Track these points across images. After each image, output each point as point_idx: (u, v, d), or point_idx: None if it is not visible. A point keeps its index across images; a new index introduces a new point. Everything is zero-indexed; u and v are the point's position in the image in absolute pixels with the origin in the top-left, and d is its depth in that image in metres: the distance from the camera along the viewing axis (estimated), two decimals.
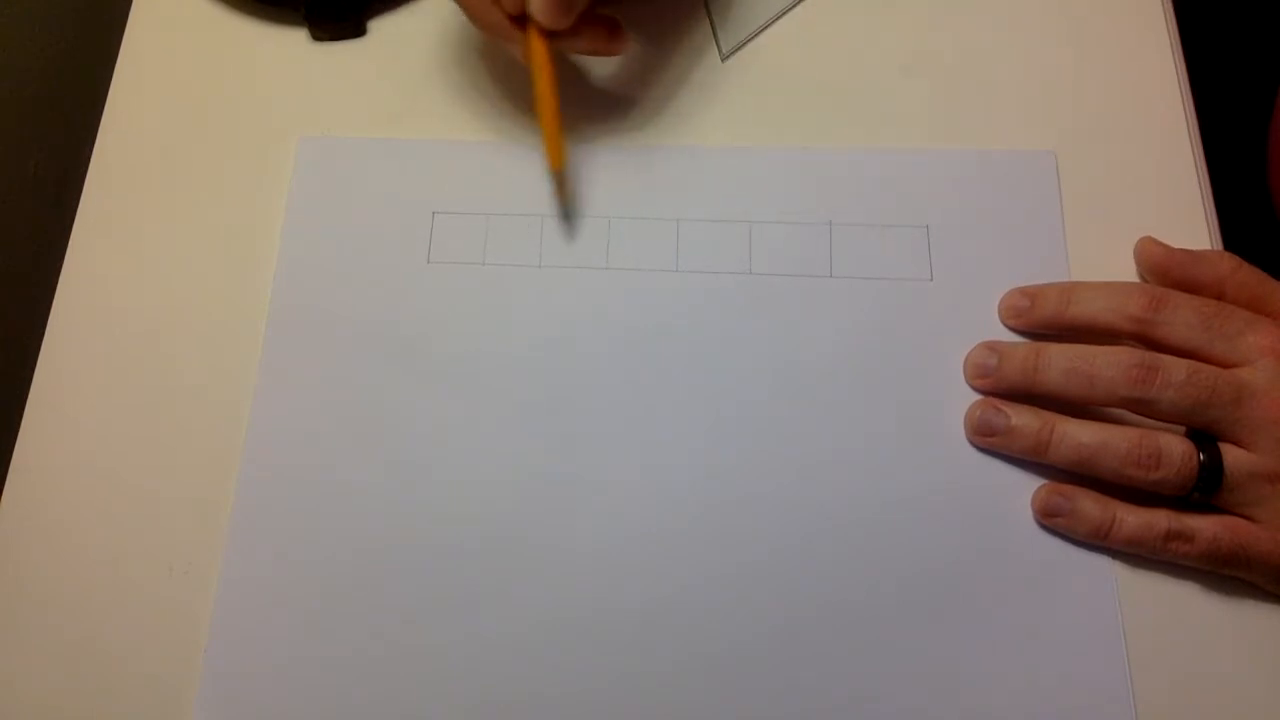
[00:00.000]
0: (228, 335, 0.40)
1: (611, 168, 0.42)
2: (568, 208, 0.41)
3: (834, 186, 0.41)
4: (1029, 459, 0.36)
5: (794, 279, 0.40)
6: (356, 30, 0.46)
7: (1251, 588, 0.35)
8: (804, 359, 0.39)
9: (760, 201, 0.41)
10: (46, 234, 0.45)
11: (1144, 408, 0.35)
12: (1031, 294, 0.38)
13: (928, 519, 0.36)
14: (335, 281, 0.41)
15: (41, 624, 0.37)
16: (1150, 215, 0.40)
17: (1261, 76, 0.55)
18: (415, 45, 0.45)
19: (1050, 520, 0.36)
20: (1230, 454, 0.34)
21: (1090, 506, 0.35)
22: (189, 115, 0.44)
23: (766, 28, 0.45)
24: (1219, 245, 0.39)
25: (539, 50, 0.38)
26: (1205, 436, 0.35)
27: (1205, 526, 0.34)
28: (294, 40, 0.46)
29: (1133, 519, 0.35)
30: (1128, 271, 0.39)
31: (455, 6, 0.39)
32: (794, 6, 0.45)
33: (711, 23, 0.45)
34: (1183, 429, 0.35)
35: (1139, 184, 0.41)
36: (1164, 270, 0.38)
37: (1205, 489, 0.34)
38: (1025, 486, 0.37)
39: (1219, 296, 0.36)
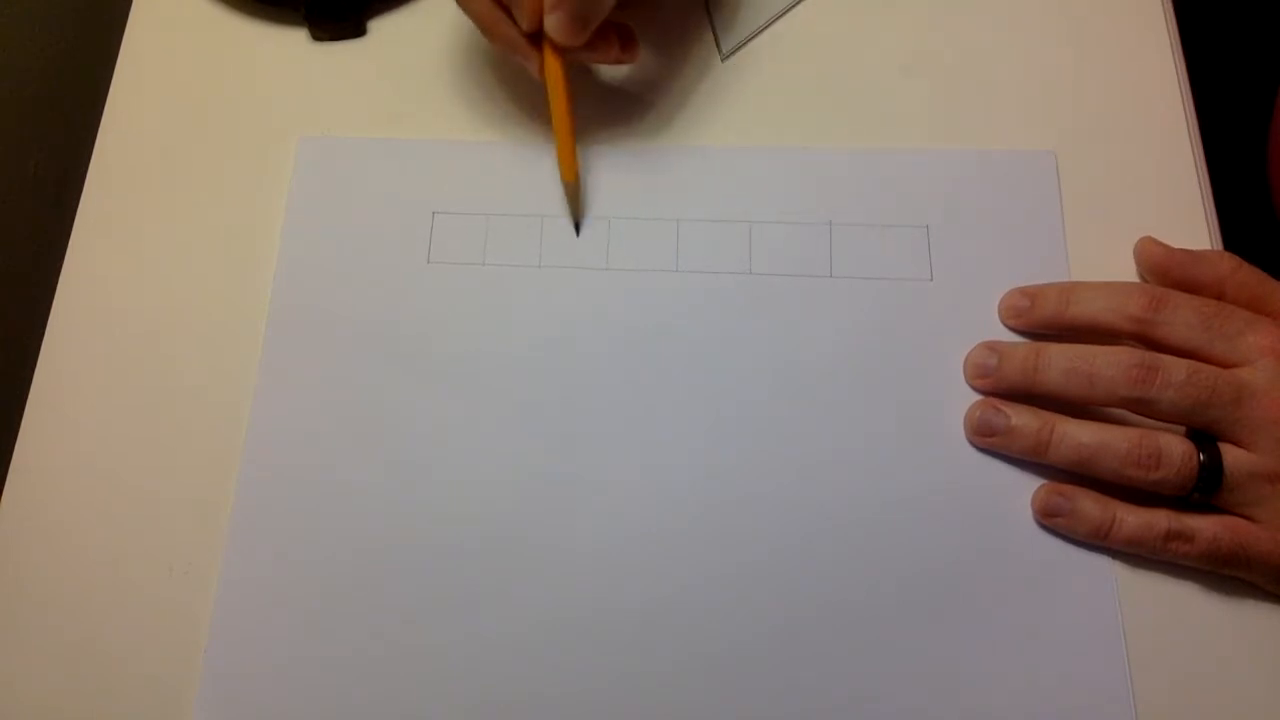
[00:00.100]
0: (228, 335, 0.40)
1: (611, 168, 0.42)
2: (580, 218, 0.41)
3: (834, 186, 0.41)
4: (1029, 459, 0.36)
5: (794, 279, 0.40)
6: (356, 30, 0.46)
7: (1251, 588, 0.35)
8: (804, 359, 0.39)
9: (760, 201, 0.41)
10: (46, 234, 0.45)
11: (1144, 408, 0.35)
12: (1031, 294, 0.38)
13: (928, 519, 0.36)
14: (335, 281, 0.41)
15: (41, 624, 0.37)
16: (1150, 215, 0.40)
17: (1261, 76, 0.55)
18: (415, 45, 0.45)
19: (1050, 520, 0.36)
20: (1230, 454, 0.34)
21: (1090, 506, 0.35)
22: (189, 115, 0.44)
23: (766, 28, 0.45)
24: (1219, 245, 0.39)
25: (554, 66, 0.38)
26: (1205, 436, 0.35)
27: (1205, 526, 0.34)
28: (294, 40, 0.46)
29: (1133, 519, 0.35)
30: (1128, 271, 0.39)
31: (463, 14, 0.39)
32: (794, 6, 0.45)
33: (711, 23, 0.45)
34: (1183, 429, 0.35)
35: (1139, 184, 0.41)
36: (1164, 270, 0.38)
37: (1205, 489, 0.34)
38: (1025, 486, 0.37)
39: (1219, 296, 0.36)
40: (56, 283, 0.42)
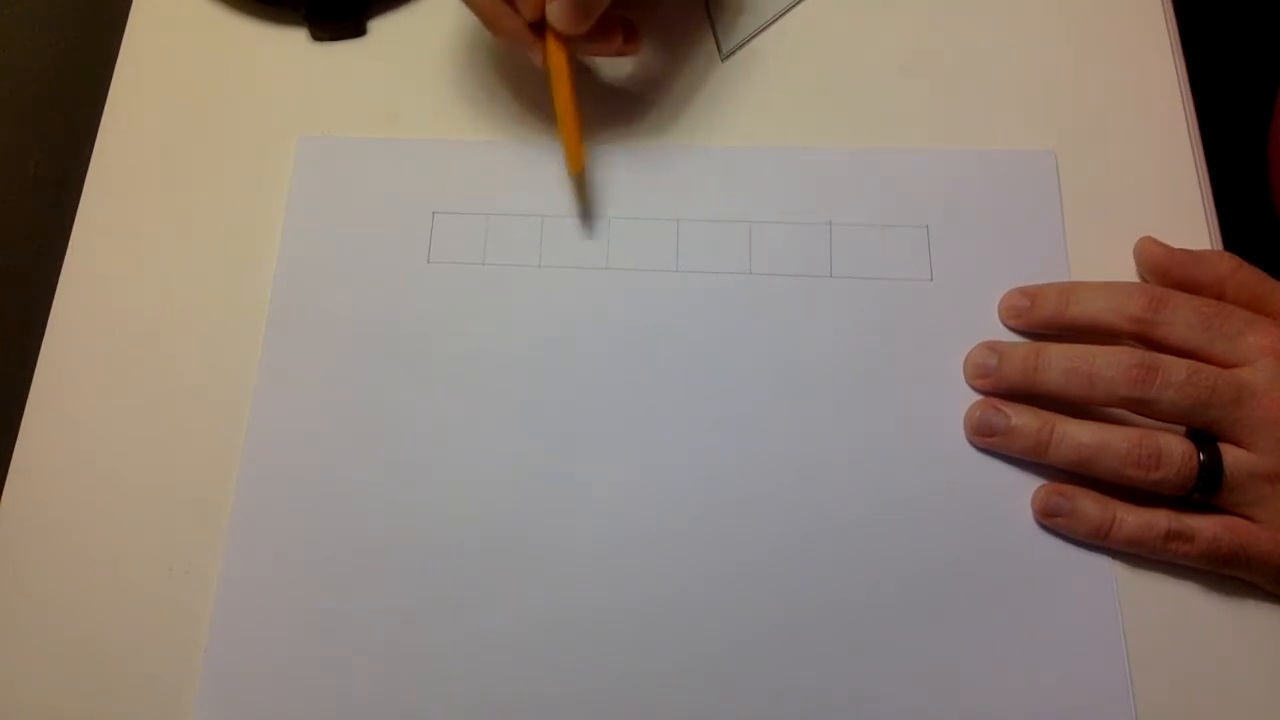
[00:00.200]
0: (228, 335, 0.41)
1: (611, 167, 0.42)
2: (589, 209, 0.41)
3: (834, 186, 0.41)
4: (1029, 459, 0.36)
5: (794, 279, 0.40)
6: (356, 30, 0.46)
7: (1251, 588, 0.35)
8: (804, 359, 0.39)
9: (760, 201, 0.41)
10: (46, 234, 0.45)
11: (1144, 408, 0.35)
12: (1031, 294, 0.38)
13: (928, 519, 0.36)
14: (335, 281, 0.41)
15: (41, 624, 0.37)
16: (1150, 215, 0.40)
17: (1261, 76, 0.55)
18: (415, 45, 0.45)
19: (1050, 520, 0.36)
20: (1230, 454, 0.34)
21: (1090, 506, 0.35)
22: (189, 115, 0.44)
23: (766, 28, 0.45)
24: (1219, 245, 0.39)
25: (557, 56, 0.38)
26: (1205, 436, 0.35)
27: (1205, 526, 0.34)
28: (294, 40, 0.46)
29: (1133, 519, 0.35)
30: (1128, 271, 0.39)
31: (465, 9, 0.39)
32: (794, 6, 0.45)
33: (711, 23, 0.45)
34: (1183, 429, 0.35)
35: (1139, 184, 0.41)
36: (1164, 270, 0.38)
37: (1205, 489, 0.34)
38: (1025, 486, 0.37)
39: (1219, 296, 0.36)
40: (56, 283, 0.42)
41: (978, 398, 0.38)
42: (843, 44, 0.44)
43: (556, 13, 0.36)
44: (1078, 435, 0.35)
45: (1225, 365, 0.35)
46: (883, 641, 0.35)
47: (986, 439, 0.37)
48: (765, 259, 0.40)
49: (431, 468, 0.38)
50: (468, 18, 0.43)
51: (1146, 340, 0.36)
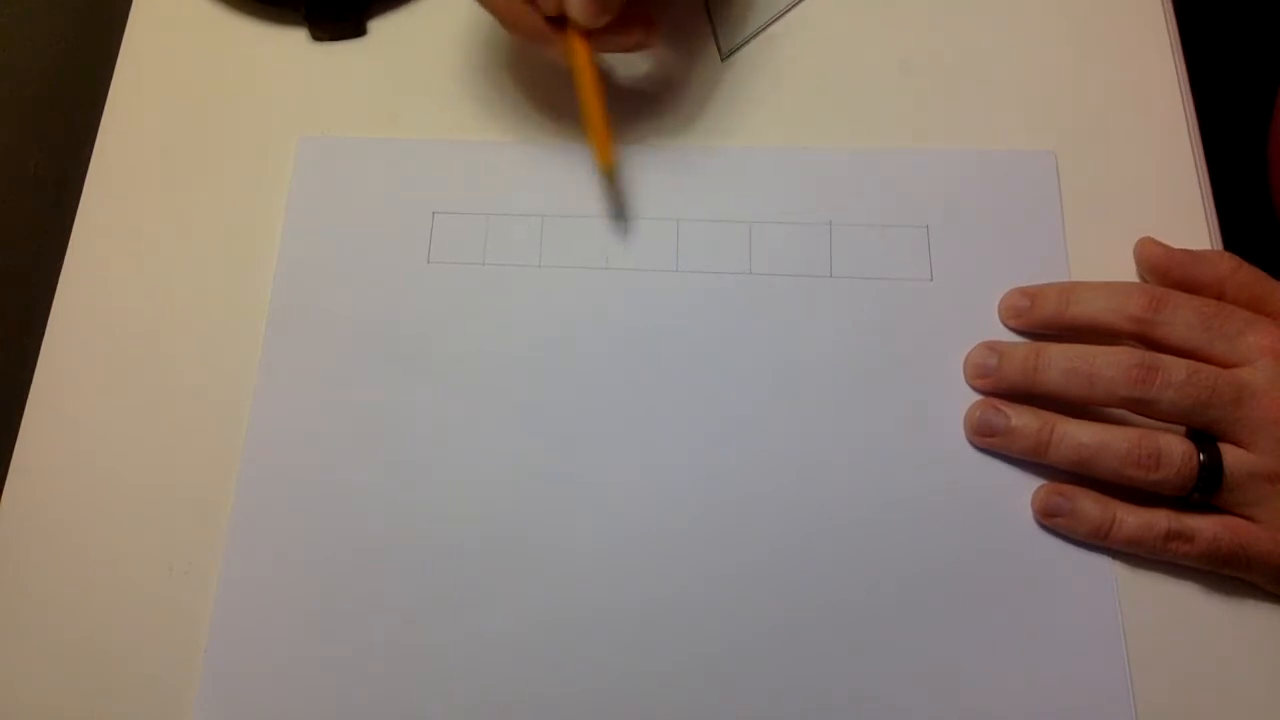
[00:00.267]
0: (228, 335, 0.40)
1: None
2: (621, 206, 0.41)
3: (834, 186, 0.41)
4: (1029, 459, 0.36)
5: (794, 279, 0.40)
6: (356, 30, 0.46)
7: (1251, 588, 0.35)
8: (804, 359, 0.39)
9: (760, 201, 0.41)
10: (46, 234, 0.45)
11: (1144, 408, 0.35)
12: (1031, 294, 0.38)
13: (928, 519, 0.36)
14: (335, 281, 0.41)
15: (41, 624, 0.37)
16: (1150, 215, 0.40)
17: (1261, 76, 0.55)
18: (415, 45, 0.45)
19: (1050, 520, 0.36)
20: (1230, 454, 0.34)
21: (1090, 506, 0.35)
22: (189, 115, 0.44)
23: (766, 28, 0.45)
24: (1219, 245, 0.39)
25: (580, 51, 0.37)
26: (1205, 436, 0.35)
27: (1205, 526, 0.34)
28: (294, 40, 0.46)
29: (1133, 519, 0.35)
30: (1128, 271, 0.39)
31: (473, 8, 0.38)
32: (794, 6, 0.45)
33: (711, 23, 0.45)
34: (1183, 429, 0.35)
35: (1139, 184, 0.41)
36: (1164, 270, 0.38)
37: (1205, 489, 0.34)
38: (1025, 486, 0.37)
39: (1219, 296, 0.36)
40: (56, 283, 0.42)
41: (978, 398, 0.38)
42: (843, 44, 0.44)
43: (577, 5, 0.35)
44: (1078, 435, 0.35)
45: (1225, 365, 0.35)
46: (883, 641, 0.35)
47: (986, 439, 0.37)
48: (765, 259, 0.40)
49: (431, 468, 0.38)
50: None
51: (1146, 340, 0.36)
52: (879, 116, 0.42)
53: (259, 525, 0.38)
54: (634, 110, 0.43)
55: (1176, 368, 0.34)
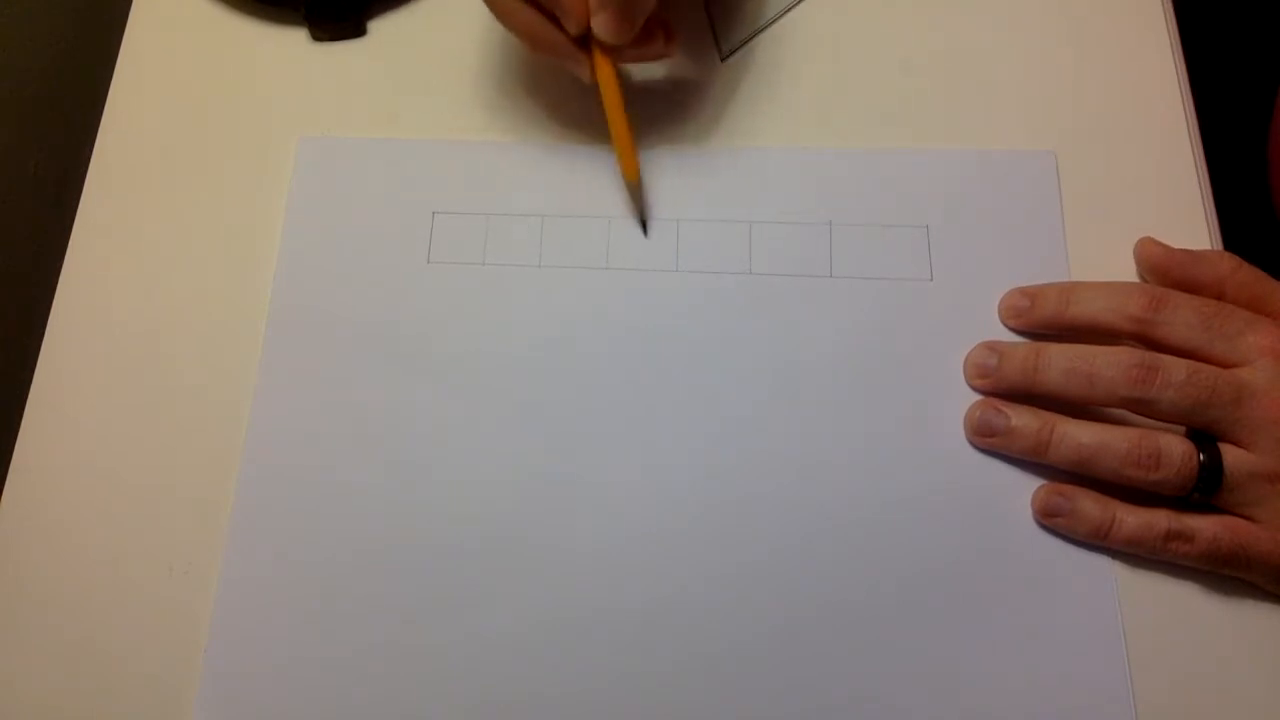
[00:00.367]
0: (228, 335, 0.41)
1: (611, 168, 0.42)
2: (644, 217, 0.41)
3: (834, 186, 0.41)
4: (1029, 459, 0.36)
5: (794, 279, 0.40)
6: (356, 30, 0.46)
7: (1251, 588, 0.35)
8: (804, 359, 0.39)
9: (760, 201, 0.41)
10: (46, 234, 0.45)
11: (1144, 408, 0.35)
12: (1031, 294, 0.38)
13: (928, 519, 0.36)
14: (335, 281, 0.41)
15: (41, 624, 0.37)
16: (1150, 215, 0.40)
17: (1261, 76, 0.55)
18: (415, 45, 0.45)
19: (1050, 520, 0.36)
20: (1230, 454, 0.34)
21: (1090, 506, 0.35)
22: (189, 115, 0.45)
23: (766, 28, 0.45)
24: (1219, 245, 0.39)
25: (605, 68, 0.38)
26: (1205, 436, 0.35)
27: (1205, 526, 0.34)
28: (294, 40, 0.46)
29: (1133, 519, 0.35)
30: (1128, 271, 0.39)
31: (488, 19, 0.38)
32: (794, 6, 0.45)
33: (711, 23, 0.45)
34: (1183, 429, 0.35)
35: (1139, 184, 0.41)
36: (1164, 270, 0.38)
37: (1205, 489, 0.34)
38: (1025, 486, 0.37)
39: (1219, 296, 0.36)
40: (56, 283, 0.42)
41: (978, 398, 0.38)
42: (843, 44, 0.44)
43: (602, 24, 0.36)
44: (1078, 435, 0.35)
45: (1225, 365, 0.35)
46: (883, 641, 0.35)
47: (986, 439, 0.37)
48: (765, 259, 0.40)
49: (431, 468, 0.38)
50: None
51: (1146, 340, 0.36)
52: (879, 116, 0.42)
53: (259, 525, 0.38)
54: (634, 111, 0.43)
55: (1176, 368, 0.34)
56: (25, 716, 0.36)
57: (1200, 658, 0.35)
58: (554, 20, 0.37)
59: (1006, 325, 0.39)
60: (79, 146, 0.44)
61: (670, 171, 0.42)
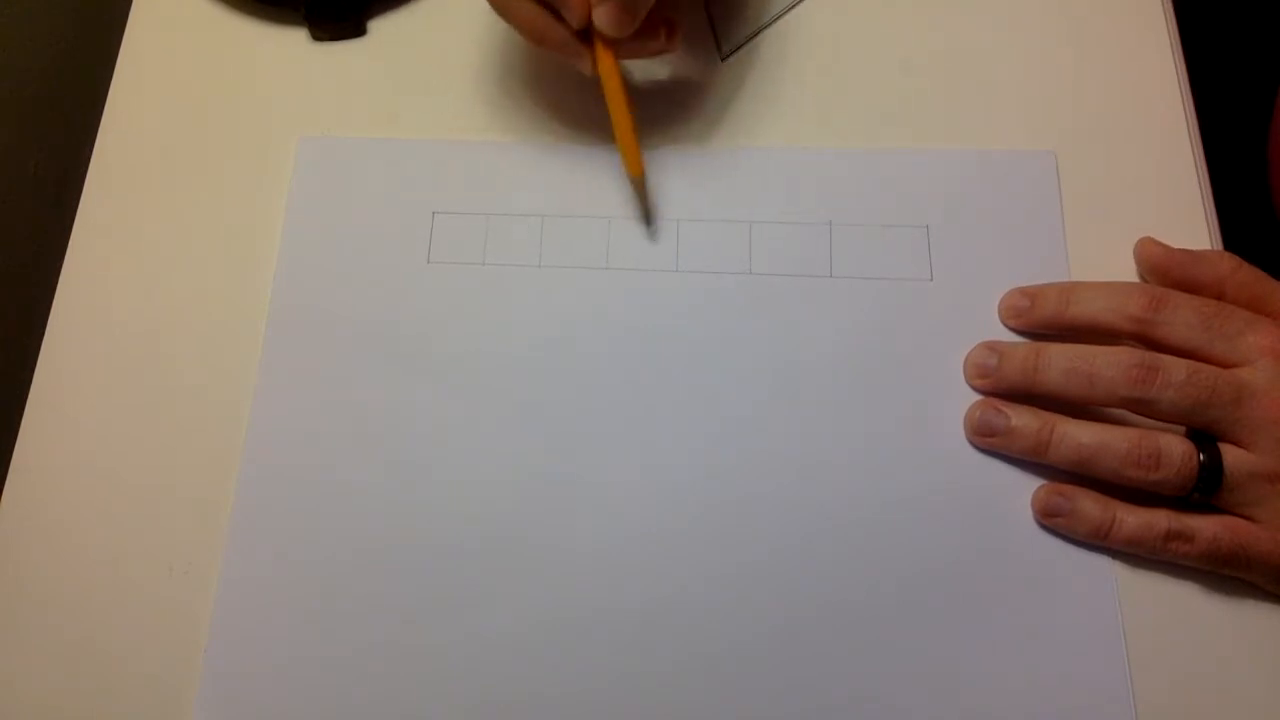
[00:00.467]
0: (228, 335, 0.41)
1: (611, 168, 0.42)
2: (651, 212, 0.41)
3: (834, 186, 0.41)
4: (1029, 459, 0.36)
5: (794, 279, 0.40)
6: (356, 30, 0.46)
7: (1251, 588, 0.35)
8: (804, 359, 0.39)
9: (760, 201, 0.41)
10: (46, 234, 0.45)
11: (1144, 408, 0.35)
12: (1031, 294, 0.38)
13: (928, 519, 0.36)
14: (335, 281, 0.41)
15: (41, 624, 0.37)
16: (1150, 215, 0.40)
17: (1261, 76, 0.55)
18: (415, 45, 0.45)
19: (1050, 520, 0.36)
20: (1230, 454, 0.34)
21: (1090, 506, 0.35)
22: (189, 115, 0.44)
23: (766, 28, 0.45)
24: (1219, 245, 0.39)
25: (607, 62, 0.37)
26: (1205, 437, 0.35)
27: (1205, 526, 0.34)
28: (294, 40, 0.46)
29: (1133, 519, 0.35)
30: (1128, 271, 0.39)
31: (490, 17, 0.38)
32: (794, 6, 0.45)
33: (711, 23, 0.45)
34: (1183, 429, 0.35)
35: (1139, 184, 0.41)
36: (1164, 270, 0.38)
37: (1205, 489, 0.34)
38: (1025, 486, 0.37)
39: (1219, 296, 0.36)
40: (56, 283, 0.42)
41: (978, 398, 0.38)
42: (843, 44, 0.44)
43: (604, 17, 0.36)
44: (1078, 435, 0.35)
45: (1225, 365, 0.35)
46: (883, 641, 0.35)
47: (986, 439, 0.37)
48: (765, 259, 0.40)
49: (431, 468, 0.38)
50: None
51: (1146, 340, 0.36)
52: (879, 116, 0.42)
53: (259, 525, 0.38)
54: (634, 110, 0.43)
55: (1176, 368, 0.34)
56: (25, 716, 0.36)
57: (1200, 658, 0.35)
58: (555, 14, 0.37)
59: (1006, 325, 0.39)
60: (79, 146, 0.44)
61: (670, 171, 0.42)
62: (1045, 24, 0.44)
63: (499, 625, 0.36)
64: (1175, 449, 0.34)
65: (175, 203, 0.43)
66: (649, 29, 0.38)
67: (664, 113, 0.43)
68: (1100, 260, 0.39)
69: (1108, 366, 0.35)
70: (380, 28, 0.46)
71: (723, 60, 0.44)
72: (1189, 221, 0.40)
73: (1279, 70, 0.55)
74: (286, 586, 0.37)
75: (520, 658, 0.36)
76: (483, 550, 0.37)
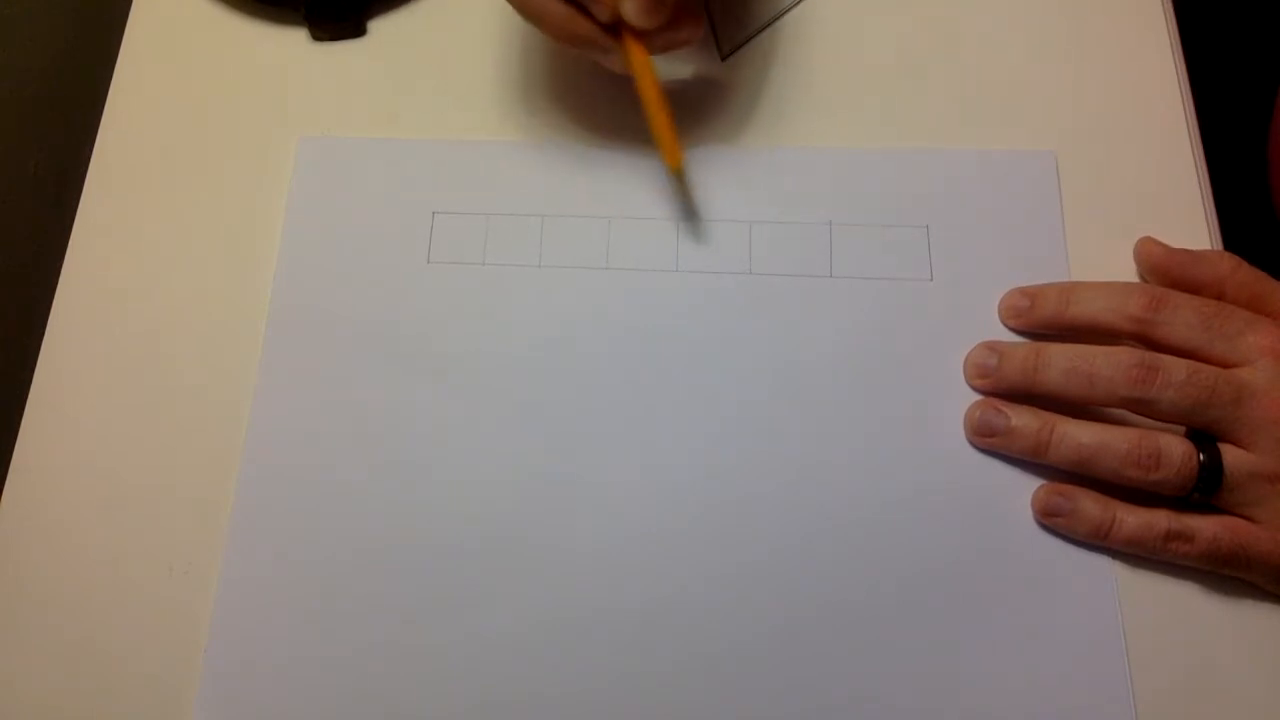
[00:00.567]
0: (228, 335, 0.41)
1: (610, 168, 0.42)
2: (693, 207, 0.41)
3: (834, 186, 0.41)
4: (1029, 459, 0.36)
5: (794, 279, 0.40)
6: (356, 30, 0.46)
7: (1251, 588, 0.35)
8: (804, 359, 0.39)
9: (760, 201, 0.41)
10: (46, 234, 0.45)
11: (1144, 408, 0.35)
12: (1031, 294, 0.38)
13: (928, 519, 0.36)
14: (335, 281, 0.41)
15: (41, 624, 0.37)
16: (1150, 215, 0.40)
17: (1261, 76, 0.55)
18: (415, 45, 0.45)
19: (1050, 520, 0.36)
20: (1230, 454, 0.34)
21: (1090, 506, 0.35)
22: (189, 115, 0.45)
23: (766, 28, 0.45)
24: (1219, 245, 0.39)
25: (638, 54, 0.37)
26: (1205, 437, 0.35)
27: (1205, 526, 0.34)
28: (294, 40, 0.46)
29: (1133, 519, 0.35)
30: (1128, 271, 0.39)
31: (510, 18, 0.37)
32: (794, 6, 0.45)
33: (711, 23, 0.45)
34: (1183, 429, 0.35)
35: (1139, 184, 0.41)
36: (1164, 270, 0.38)
37: (1205, 489, 0.34)
38: (1025, 486, 0.37)
39: (1219, 296, 0.36)
40: (56, 283, 0.42)
41: (978, 398, 0.38)
42: (843, 44, 0.44)
43: (633, 8, 0.35)
44: (1078, 435, 0.35)
45: (1225, 365, 0.35)
46: (883, 641, 0.35)
47: (986, 439, 0.37)
48: (765, 259, 0.40)
49: (431, 468, 0.38)
50: (466, 20, 0.43)
51: (1146, 340, 0.36)
52: (879, 116, 0.42)
53: (259, 525, 0.38)
54: (634, 110, 0.43)
55: (1176, 368, 0.34)
56: (25, 716, 0.36)
57: (1200, 658, 0.35)
58: (581, 10, 0.36)
59: (1006, 325, 0.39)
60: (79, 146, 0.44)
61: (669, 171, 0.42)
62: (1045, 24, 0.44)
63: (499, 625, 0.36)
64: (1175, 449, 0.34)
65: (175, 203, 0.43)
66: (676, 19, 0.37)
67: None
68: (1100, 260, 0.39)
69: (1108, 366, 0.35)
70: (380, 28, 0.46)
71: (723, 60, 0.44)
72: (1189, 221, 0.40)
73: (1279, 70, 0.55)
74: (286, 586, 0.37)
75: (520, 658, 0.36)
76: (483, 550, 0.37)
